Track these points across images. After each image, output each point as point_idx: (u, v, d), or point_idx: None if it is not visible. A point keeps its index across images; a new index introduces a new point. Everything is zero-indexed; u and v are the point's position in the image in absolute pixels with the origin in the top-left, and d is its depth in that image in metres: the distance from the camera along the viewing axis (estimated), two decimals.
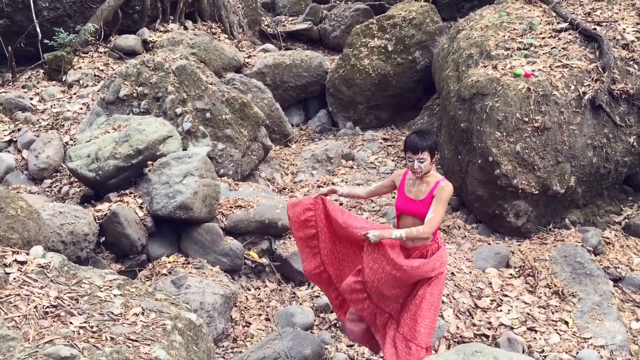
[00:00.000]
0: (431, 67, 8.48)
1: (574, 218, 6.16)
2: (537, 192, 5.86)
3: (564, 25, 6.76)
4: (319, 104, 9.63)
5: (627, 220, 6.26)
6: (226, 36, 10.10)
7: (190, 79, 6.72)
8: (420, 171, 3.69)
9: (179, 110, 6.53)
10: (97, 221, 5.07)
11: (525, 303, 5.15)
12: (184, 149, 6.07)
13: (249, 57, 9.64)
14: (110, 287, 3.41)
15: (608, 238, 6.05)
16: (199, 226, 5.35)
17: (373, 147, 8.36)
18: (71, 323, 3.00)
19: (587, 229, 6.00)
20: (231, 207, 5.75)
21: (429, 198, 3.70)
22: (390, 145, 8.44)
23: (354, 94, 8.95)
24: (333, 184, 7.37)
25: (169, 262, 5.23)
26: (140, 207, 5.34)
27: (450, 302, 5.12)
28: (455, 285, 5.31)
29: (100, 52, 8.47)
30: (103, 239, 5.09)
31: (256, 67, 9.11)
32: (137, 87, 6.59)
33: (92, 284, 3.38)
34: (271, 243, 5.77)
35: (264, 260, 5.66)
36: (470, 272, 5.53)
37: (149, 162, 5.52)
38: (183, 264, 5.23)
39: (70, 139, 6.76)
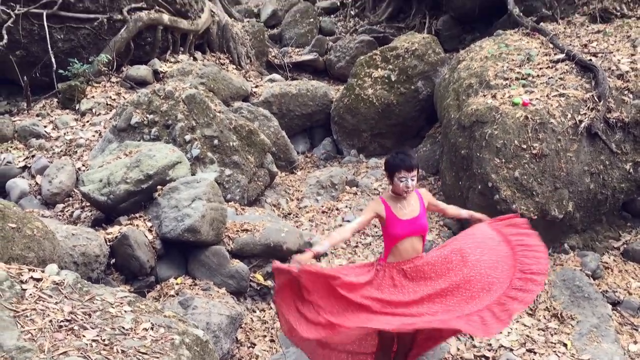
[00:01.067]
0: (433, 97, 8.70)
1: (573, 243, 6.27)
2: (536, 217, 5.98)
3: (561, 56, 6.98)
4: (324, 132, 9.86)
5: (625, 246, 6.36)
6: (234, 67, 10.41)
7: (199, 107, 6.96)
8: (411, 189, 3.80)
9: (188, 137, 6.75)
10: (108, 243, 5.23)
11: (525, 325, 5.25)
12: (193, 175, 6.26)
13: (256, 86, 9.91)
14: (122, 303, 3.56)
15: (607, 263, 6.15)
16: (206, 249, 5.50)
17: (377, 174, 8.53)
18: (84, 336, 3.14)
19: (586, 253, 6.11)
20: (237, 230, 5.90)
21: (424, 209, 3.86)
22: None
23: (358, 123, 9.16)
24: (337, 209, 7.54)
25: (177, 284, 5.37)
26: (150, 230, 5.51)
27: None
28: None
29: (113, 82, 8.76)
30: (113, 260, 5.25)
31: (263, 97, 9.37)
32: (148, 115, 6.82)
33: (104, 300, 3.53)
34: None
35: (269, 283, 5.79)
36: None
37: (159, 187, 5.71)
38: (190, 285, 5.37)
39: (83, 165, 6.97)
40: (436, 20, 12.26)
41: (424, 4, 12.84)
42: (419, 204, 3.89)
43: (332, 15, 14.44)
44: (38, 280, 3.52)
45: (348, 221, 7.17)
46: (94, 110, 8.06)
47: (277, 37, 13.12)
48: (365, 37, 12.03)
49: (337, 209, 7.55)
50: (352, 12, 14.43)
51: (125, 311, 3.47)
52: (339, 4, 15.00)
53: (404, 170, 3.77)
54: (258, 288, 5.77)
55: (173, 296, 5.20)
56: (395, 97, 9.05)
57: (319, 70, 12.11)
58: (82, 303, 3.44)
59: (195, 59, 9.91)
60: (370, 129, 9.18)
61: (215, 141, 6.91)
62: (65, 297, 3.46)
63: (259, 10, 14.25)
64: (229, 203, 6.69)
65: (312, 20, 13.05)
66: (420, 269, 3.86)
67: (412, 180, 3.78)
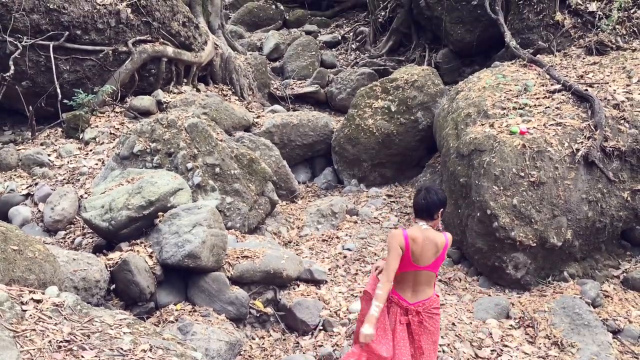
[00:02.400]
0: (432, 127, 8.81)
1: (573, 271, 6.28)
2: (535, 244, 6.02)
3: (558, 86, 7.10)
4: (325, 162, 9.95)
5: (625, 274, 6.36)
6: (237, 98, 10.58)
7: (201, 135, 7.06)
8: None
9: (189, 165, 6.83)
10: (108, 269, 5.25)
11: (525, 353, 5.22)
12: (194, 202, 6.31)
13: (258, 117, 10.04)
14: (120, 325, 3.58)
15: (607, 291, 6.15)
16: (206, 275, 5.51)
17: (377, 203, 8.59)
18: (83, 357, 3.15)
19: (586, 281, 6.11)
20: (238, 257, 5.92)
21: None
22: (393, 202, 8.67)
23: (358, 153, 9.26)
24: (337, 237, 7.56)
25: (176, 310, 5.37)
26: (150, 256, 5.53)
27: (452, 352, 5.20)
28: (456, 336, 5.41)
29: (117, 112, 8.89)
30: (113, 286, 5.25)
31: (265, 127, 9.49)
32: (150, 143, 6.92)
33: (103, 322, 3.56)
34: (276, 293, 5.91)
35: (269, 310, 5.78)
36: (471, 323, 5.63)
37: (160, 213, 5.75)
38: (190, 311, 5.37)
39: (85, 193, 7.03)
40: (436, 54, 12.49)
41: (424, 38, 13.10)
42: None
43: (333, 49, 14.72)
44: (38, 301, 3.55)
45: (348, 249, 7.20)
46: (97, 140, 8.17)
47: (279, 70, 13.34)
48: (366, 70, 12.24)
49: (337, 238, 7.58)
50: (353, 46, 14.71)
51: (124, 333, 3.49)
52: (340, 37, 15.31)
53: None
54: (258, 315, 5.76)
55: (172, 322, 5.19)
56: (395, 127, 9.15)
57: (321, 102, 12.29)
58: (81, 324, 3.46)
59: (198, 90, 10.08)
60: (371, 159, 9.26)
61: (217, 169, 6.99)
62: (65, 318, 3.49)
63: (261, 44, 14.53)
64: (230, 230, 6.72)
65: (313, 53, 13.28)
66: None
67: None
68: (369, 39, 14.39)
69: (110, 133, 8.31)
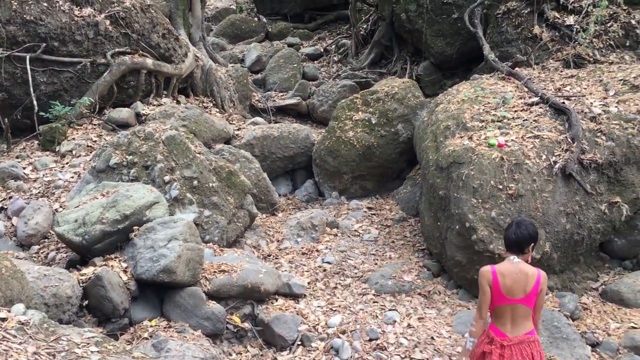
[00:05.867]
0: (413, 139, 8.81)
1: (551, 284, 6.26)
2: None
3: (535, 99, 7.13)
4: (306, 174, 9.91)
5: (603, 287, 6.37)
6: (217, 110, 10.51)
7: (179, 148, 6.99)
8: None
9: (167, 178, 6.74)
10: (81, 284, 5.14)
11: None
12: (171, 215, 6.23)
13: (239, 129, 9.99)
14: (88, 344, 3.49)
15: (585, 304, 6.14)
16: (181, 290, 5.42)
17: (357, 215, 8.55)
18: None
19: (564, 294, 6.10)
20: (215, 271, 5.84)
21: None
22: (374, 214, 8.64)
23: (339, 165, 9.23)
24: (317, 251, 7.51)
25: (151, 326, 5.27)
26: (125, 271, 5.43)
27: None
28: (435, 350, 5.37)
29: (95, 124, 8.78)
30: (86, 302, 5.15)
31: (245, 139, 9.44)
32: (127, 156, 6.83)
33: (70, 340, 3.46)
34: (254, 308, 5.83)
35: (246, 325, 5.70)
36: (450, 337, 5.59)
37: (135, 227, 5.66)
38: (165, 327, 5.27)
39: (60, 206, 6.91)
40: (417, 66, 12.56)
41: (406, 50, 13.17)
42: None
43: (315, 61, 14.75)
44: (3, 320, 3.45)
45: (328, 262, 7.15)
46: (74, 152, 8.05)
47: (261, 82, 13.32)
48: (347, 82, 12.26)
49: (317, 251, 7.53)
50: (335, 58, 14.75)
51: (91, 352, 3.40)
52: (322, 50, 15.35)
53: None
54: (235, 330, 5.67)
55: (147, 339, 5.09)
56: (375, 139, 9.15)
57: (302, 114, 12.28)
58: (47, 343, 3.37)
59: (178, 102, 10.00)
60: (352, 171, 9.24)
61: (195, 182, 6.91)
62: (31, 337, 3.39)
63: (243, 56, 14.52)
64: (208, 244, 6.64)
65: (295, 65, 13.29)
66: None
67: None
68: (351, 51, 14.44)
69: (88, 146, 8.20)
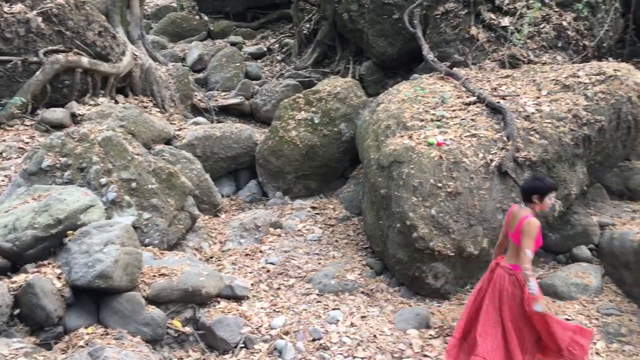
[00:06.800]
0: (355, 138, 8.87)
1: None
2: (453, 254, 6.13)
3: (473, 99, 7.31)
4: (250, 174, 9.83)
5: (539, 280, 6.55)
6: (158, 110, 10.27)
7: (116, 149, 6.79)
8: None
9: (103, 181, 6.54)
10: (12, 293, 4.93)
11: None
12: (108, 219, 6.05)
13: (180, 129, 9.80)
14: (16, 355, 3.35)
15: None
16: (119, 295, 5.27)
17: (301, 215, 8.55)
18: None
19: None
20: (154, 275, 5.70)
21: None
22: (318, 213, 8.65)
23: (282, 165, 9.20)
24: (261, 251, 7.46)
25: (87, 334, 5.10)
26: (59, 278, 5.23)
27: None
28: (377, 348, 5.42)
29: (27, 125, 8.43)
30: (18, 311, 4.93)
31: (186, 139, 9.27)
32: (60, 158, 6.59)
33: None
34: (195, 311, 5.73)
35: (188, 329, 5.60)
36: (392, 334, 5.66)
37: (69, 232, 5.47)
38: (102, 335, 5.11)
39: None
40: (360, 66, 12.64)
41: (348, 50, 13.24)
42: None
43: (258, 60, 14.65)
44: None
45: (272, 263, 7.11)
46: (4, 155, 7.70)
47: (203, 81, 13.11)
48: (291, 81, 12.22)
49: (260, 252, 7.48)
50: (279, 58, 14.69)
51: None
52: (265, 49, 15.26)
53: (554, 191, 4.62)
54: (176, 335, 5.56)
55: (82, 347, 4.91)
56: (318, 139, 9.16)
57: (245, 114, 12.16)
58: None
59: (116, 102, 9.72)
60: (295, 171, 9.22)
61: (133, 184, 6.73)
62: None
63: (184, 55, 14.26)
64: (147, 247, 6.49)
65: (238, 64, 13.15)
66: None
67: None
68: (294, 50, 14.41)
69: (19, 147, 7.86)
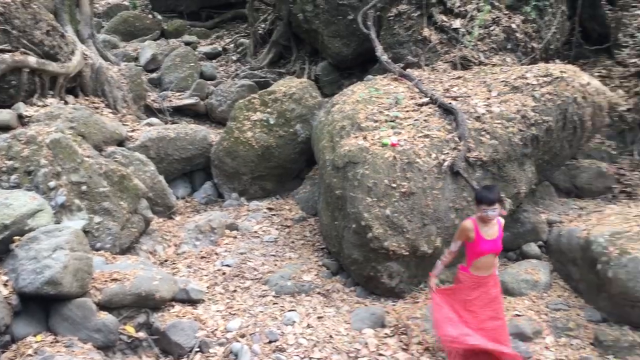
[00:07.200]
0: (311, 139, 8.88)
1: (443, 277, 6.52)
2: (407, 253, 6.21)
3: (425, 100, 7.42)
4: (205, 176, 9.72)
5: None
6: (110, 110, 10.04)
7: (65, 152, 6.62)
8: (492, 218, 4.85)
9: (52, 184, 6.37)
10: None
11: None
12: (58, 223, 5.90)
13: (133, 130, 9.61)
14: None
15: None
16: (69, 302, 5.14)
17: (257, 216, 8.51)
18: None
19: None
20: (106, 280, 5.59)
21: (501, 234, 4.97)
22: (274, 215, 8.63)
23: (238, 166, 9.14)
24: (216, 254, 7.39)
25: (36, 342, 4.96)
26: (5, 285, 5.07)
27: None
28: (333, 348, 5.45)
29: None
30: None
31: (140, 141, 9.09)
32: (6, 161, 6.39)
33: None
34: (149, 316, 5.64)
35: (141, 334, 5.50)
36: (348, 334, 5.70)
37: (16, 237, 5.31)
38: (51, 342, 4.98)
39: None
40: (315, 66, 12.66)
41: (304, 51, 13.25)
42: (498, 229, 4.95)
43: (213, 60, 14.49)
44: None
45: (227, 265, 7.05)
46: None
47: (156, 81, 12.87)
48: (246, 82, 12.14)
49: (216, 254, 7.41)
50: (234, 58, 14.57)
51: None
52: (220, 49, 15.11)
53: (485, 205, 4.80)
54: (129, 341, 5.45)
55: (31, 356, 4.79)
56: (274, 139, 9.14)
57: (200, 115, 12.01)
58: None
59: (66, 102, 9.45)
60: (251, 172, 9.18)
61: (84, 187, 6.58)
62: None
63: (137, 54, 13.98)
64: (99, 252, 6.36)
65: (192, 64, 12.96)
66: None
67: (493, 211, 4.80)
68: (250, 50, 14.32)
69: None
